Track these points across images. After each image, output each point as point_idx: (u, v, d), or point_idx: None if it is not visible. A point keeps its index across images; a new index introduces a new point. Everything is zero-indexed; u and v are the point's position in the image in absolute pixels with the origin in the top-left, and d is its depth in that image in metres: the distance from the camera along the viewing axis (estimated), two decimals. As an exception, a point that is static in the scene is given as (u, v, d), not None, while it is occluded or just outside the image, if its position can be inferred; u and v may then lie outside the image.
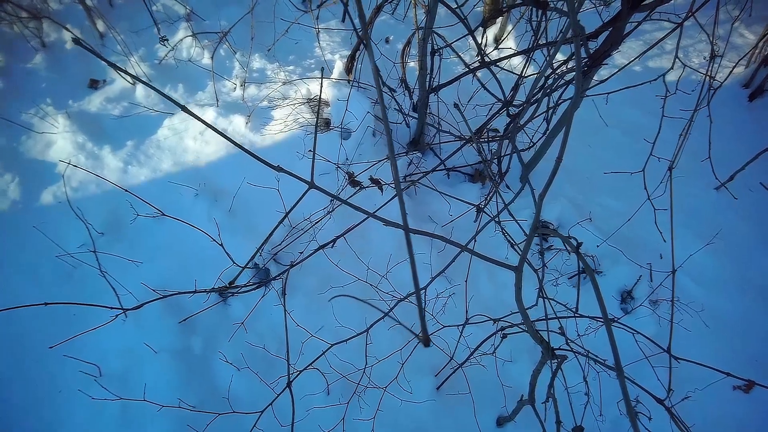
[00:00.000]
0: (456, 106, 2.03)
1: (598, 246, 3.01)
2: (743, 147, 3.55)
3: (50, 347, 1.59)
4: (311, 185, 1.51)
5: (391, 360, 2.29)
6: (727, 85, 4.22)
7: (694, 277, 3.13)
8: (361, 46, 3.44)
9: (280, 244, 2.76)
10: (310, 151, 3.01)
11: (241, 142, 3.30)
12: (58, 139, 3.13)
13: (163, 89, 3.52)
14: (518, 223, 2.10)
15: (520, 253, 1.59)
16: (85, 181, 2.97)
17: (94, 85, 3.49)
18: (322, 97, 3.50)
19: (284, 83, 3.62)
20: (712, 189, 3.66)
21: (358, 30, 2.40)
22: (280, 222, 2.38)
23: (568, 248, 1.43)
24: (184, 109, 1.13)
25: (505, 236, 1.95)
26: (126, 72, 1.22)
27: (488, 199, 2.59)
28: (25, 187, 2.94)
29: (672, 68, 2.24)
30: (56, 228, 2.75)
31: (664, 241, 2.26)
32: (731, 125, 4.03)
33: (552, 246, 3.14)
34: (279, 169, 1.42)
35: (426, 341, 2.52)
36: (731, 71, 4.13)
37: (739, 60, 4.24)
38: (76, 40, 1.09)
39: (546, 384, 1.88)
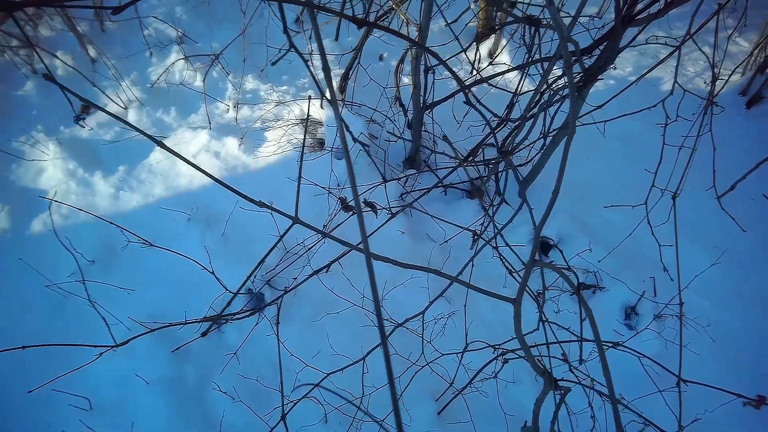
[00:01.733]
0: (445, 138, 1.98)
1: (599, 261, 2.94)
2: (742, 155, 3.49)
3: (29, 391, 1.53)
4: (295, 220, 1.46)
5: (387, 388, 2.22)
6: (724, 93, 4.18)
7: (698, 290, 3.05)
8: (354, 64, 3.43)
9: (273, 269, 2.70)
10: (303, 178, 2.96)
11: (234, 165, 3.26)
12: (49, 167, 3.09)
13: (156, 113, 3.50)
14: (514, 251, 2.05)
15: (519, 281, 1.53)
16: (76, 208, 2.93)
17: (86, 110, 3.46)
18: (315, 117, 3.47)
19: (277, 104, 3.59)
20: (713, 199, 3.60)
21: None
22: (270, 250, 2.33)
23: (571, 288, 1.37)
24: (161, 144, 1.08)
25: (504, 263, 1.89)
26: (95, 106, 1.18)
27: (485, 226, 2.53)
28: (15, 216, 2.89)
29: (672, 93, 2.19)
30: (48, 257, 2.69)
31: (661, 262, 2.20)
32: (729, 133, 3.98)
33: (553, 261, 3.08)
34: (261, 204, 1.37)
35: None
36: (727, 80, 4.09)
37: (735, 68, 4.21)
38: (47, 76, 1.04)
39: (550, 410, 1.82)
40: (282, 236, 1.95)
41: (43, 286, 2.58)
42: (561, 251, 2.85)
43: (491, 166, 2.93)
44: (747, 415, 2.67)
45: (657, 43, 2.21)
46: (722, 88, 3.85)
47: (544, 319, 1.83)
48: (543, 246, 3.18)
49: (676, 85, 2.15)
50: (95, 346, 1.59)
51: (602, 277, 2.97)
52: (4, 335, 2.52)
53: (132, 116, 3.44)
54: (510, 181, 3.45)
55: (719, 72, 2.27)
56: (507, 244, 1.96)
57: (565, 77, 2.58)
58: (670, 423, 1.94)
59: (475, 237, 2.22)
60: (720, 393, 1.93)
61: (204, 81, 3.52)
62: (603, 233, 3.21)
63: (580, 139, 2.93)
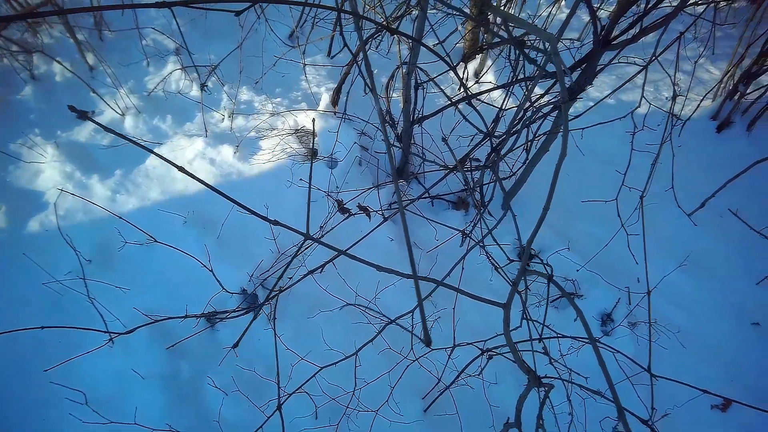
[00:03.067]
0: (444, 139, 2.13)
1: (577, 270, 3.10)
2: (712, 175, 3.71)
3: (45, 370, 1.60)
4: (307, 236, 1.56)
5: (378, 383, 2.32)
6: (696, 118, 4.43)
7: (670, 299, 3.23)
8: (348, 78, 3.58)
9: (268, 270, 2.80)
10: (301, 179, 3.08)
11: (229, 172, 3.36)
12: (46, 169, 3.16)
13: (152, 120, 3.59)
14: (503, 250, 2.19)
15: (509, 282, 1.66)
16: (73, 209, 2.99)
17: (83, 116, 3.53)
18: (309, 128, 3.60)
19: (272, 114, 3.72)
20: (684, 216, 3.81)
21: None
22: (286, 267, 2.43)
23: (560, 291, 1.50)
24: (157, 154, 1.19)
25: (490, 260, 2.02)
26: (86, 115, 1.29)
27: (474, 224, 2.67)
28: (12, 216, 2.94)
29: (639, 106, 2.40)
30: (42, 257, 2.75)
31: (636, 263, 2.37)
32: (701, 155, 4.23)
33: (533, 270, 3.23)
34: (275, 222, 1.47)
35: (428, 342, 2.55)
36: (698, 105, 4.36)
37: (706, 94, 4.48)
38: (74, 109, 1.14)
39: (531, 405, 1.93)
40: (296, 254, 2.05)
41: (40, 284, 2.64)
42: (542, 261, 3.00)
43: (480, 169, 3.08)
44: (714, 418, 2.82)
45: (628, 63, 2.44)
46: (694, 112, 4.12)
47: (527, 317, 1.96)
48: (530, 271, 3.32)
49: (643, 99, 2.36)
50: (102, 332, 1.67)
51: (580, 285, 3.13)
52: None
53: (129, 123, 3.53)
54: (494, 196, 3.62)
55: (687, 96, 2.49)
56: (496, 242, 2.09)
57: (547, 96, 2.77)
58: (642, 415, 2.07)
59: (465, 236, 2.34)
60: (689, 393, 2.08)
61: (202, 90, 3.63)
62: (581, 244, 3.38)
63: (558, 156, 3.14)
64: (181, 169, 1.12)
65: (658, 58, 2.19)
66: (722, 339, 3.15)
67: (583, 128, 2.55)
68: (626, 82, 2.38)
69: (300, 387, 1.98)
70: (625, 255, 2.91)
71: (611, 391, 1.39)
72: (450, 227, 2.75)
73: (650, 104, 2.40)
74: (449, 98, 3.05)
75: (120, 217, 2.17)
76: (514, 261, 2.25)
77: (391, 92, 3.45)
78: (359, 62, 2.97)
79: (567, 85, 2.49)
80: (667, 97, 4.76)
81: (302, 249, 1.89)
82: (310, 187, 1.64)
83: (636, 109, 2.37)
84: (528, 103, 2.83)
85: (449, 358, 2.26)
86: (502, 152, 2.98)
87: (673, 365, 2.85)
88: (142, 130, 3.54)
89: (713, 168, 4.12)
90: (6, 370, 2.41)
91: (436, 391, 2.49)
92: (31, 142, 3.24)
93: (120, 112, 3.55)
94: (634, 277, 3.26)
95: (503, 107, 2.85)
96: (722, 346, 3.12)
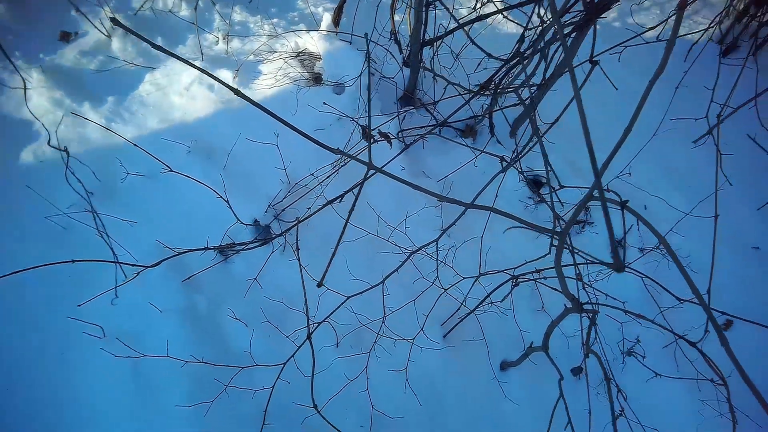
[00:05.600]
0: (455, 55, 1.99)
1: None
2: (719, 102, 3.65)
3: (78, 305, 1.54)
4: (371, 167, 1.46)
5: (399, 313, 2.31)
6: (702, 42, 4.30)
7: (679, 231, 3.24)
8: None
9: (281, 201, 2.72)
10: (309, 105, 2.93)
11: (229, 99, 3.18)
12: (33, 95, 2.93)
13: (141, 42, 3.33)
14: (552, 169, 2.12)
15: (550, 206, 1.61)
16: (68, 139, 2.81)
17: (66, 38, 3.27)
18: (311, 50, 3.39)
19: (271, 37, 3.49)
20: (690, 143, 3.78)
21: None
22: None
23: (618, 204, 1.46)
24: (236, 90, 1.06)
25: (530, 188, 1.96)
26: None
27: (520, 153, 2.55)
28: (3, 147, 2.76)
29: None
30: (43, 189, 2.60)
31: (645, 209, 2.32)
32: (706, 81, 4.14)
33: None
34: (338, 151, 1.37)
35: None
36: (707, 28, 4.22)
37: (715, 17, 4.33)
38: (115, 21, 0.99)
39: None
40: (360, 186, 1.96)
41: (41, 218, 2.52)
42: (551, 189, 2.98)
43: (509, 91, 2.96)
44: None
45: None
46: (702, 35, 3.98)
47: (571, 248, 1.94)
48: (535, 183, 3.28)
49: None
50: (131, 265, 1.61)
51: (591, 213, 3.13)
52: (3, 266, 2.46)
53: (116, 44, 3.27)
54: (501, 125, 3.51)
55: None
56: (516, 170, 2.03)
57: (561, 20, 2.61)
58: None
59: (503, 161, 2.26)
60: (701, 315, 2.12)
61: (196, 9, 3.36)
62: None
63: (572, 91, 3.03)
64: (237, 92, 1.01)
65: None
66: (724, 269, 3.19)
67: (604, 51, 2.42)
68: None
69: (329, 315, 1.96)
70: (637, 184, 2.91)
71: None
72: (490, 153, 2.65)
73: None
74: (457, 21, 2.88)
75: (135, 144, 2.06)
76: (587, 197, 2.21)
77: (395, 13, 3.25)
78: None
79: None
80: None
81: (337, 166, 1.80)
82: (370, 115, 1.54)
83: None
84: (543, 25, 2.67)
85: (475, 281, 2.26)
86: (521, 78, 2.86)
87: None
88: (131, 53, 3.29)
89: (718, 95, 4.05)
90: (14, 309, 2.34)
91: (455, 318, 2.51)
92: (13, 67, 2.99)
93: (106, 33, 3.29)
94: (641, 204, 3.26)
95: (527, 27, 2.70)
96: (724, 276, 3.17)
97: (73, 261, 1.33)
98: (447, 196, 1.67)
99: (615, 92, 3.96)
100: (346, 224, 1.70)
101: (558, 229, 1.98)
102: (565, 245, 1.87)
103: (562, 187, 2.54)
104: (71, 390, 2.17)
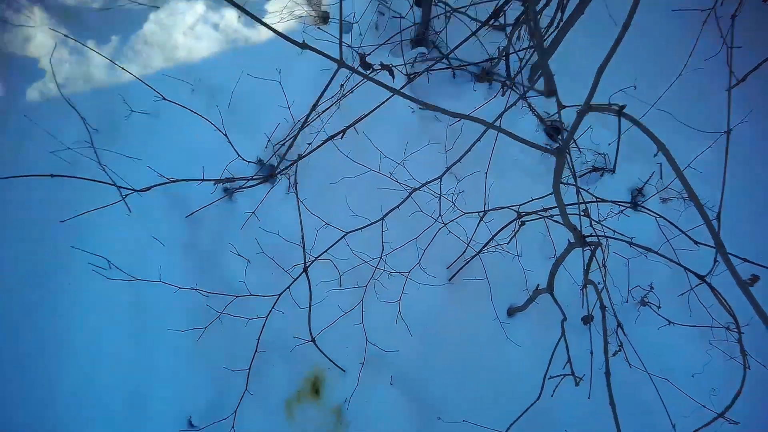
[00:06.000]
0: None
1: (609, 144, 2.94)
2: (758, 47, 3.43)
3: (61, 221, 1.52)
4: (341, 64, 1.38)
5: (402, 251, 2.26)
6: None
7: (700, 176, 3.10)
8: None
9: (284, 140, 2.66)
10: (318, 39, 2.83)
11: (234, 38, 3.10)
12: (37, 34, 2.90)
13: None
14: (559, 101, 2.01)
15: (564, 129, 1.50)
16: (72, 77, 2.80)
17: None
18: (319, -12, 3.27)
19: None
20: (723, 90, 3.57)
21: None
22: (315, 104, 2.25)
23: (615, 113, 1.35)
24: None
25: (534, 112, 1.86)
26: None
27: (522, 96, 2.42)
28: (9, 84, 2.75)
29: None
30: (48, 126, 2.59)
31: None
32: (745, 26, 3.88)
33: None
34: (304, 45, 1.29)
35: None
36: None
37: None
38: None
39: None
40: (329, 83, 1.88)
41: (46, 153, 2.51)
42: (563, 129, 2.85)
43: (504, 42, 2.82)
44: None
45: None
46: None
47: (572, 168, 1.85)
48: (554, 129, 3.15)
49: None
50: (122, 188, 1.59)
51: (611, 159, 2.99)
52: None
53: (115, -18, 3.20)
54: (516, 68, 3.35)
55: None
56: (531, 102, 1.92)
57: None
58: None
59: (504, 86, 2.15)
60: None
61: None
62: (612, 119, 3.18)
63: (591, 28, 2.86)
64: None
65: None
66: (743, 213, 3.05)
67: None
68: None
69: (326, 250, 1.93)
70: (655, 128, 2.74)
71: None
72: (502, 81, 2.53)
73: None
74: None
75: (142, 81, 2.03)
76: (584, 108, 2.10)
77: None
78: None
79: None
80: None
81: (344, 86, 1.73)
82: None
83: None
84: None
85: (481, 220, 2.19)
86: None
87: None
88: (131, -10, 3.21)
89: (757, 40, 3.81)
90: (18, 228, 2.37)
91: (462, 260, 2.45)
92: (17, 4, 2.95)
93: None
94: (652, 146, 3.10)
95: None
96: (742, 222, 3.02)
97: (51, 176, 1.31)
98: (432, 104, 1.61)
99: (638, 38, 3.77)
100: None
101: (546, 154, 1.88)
102: (567, 165, 1.78)
103: (563, 106, 2.41)
104: (76, 317, 2.23)
